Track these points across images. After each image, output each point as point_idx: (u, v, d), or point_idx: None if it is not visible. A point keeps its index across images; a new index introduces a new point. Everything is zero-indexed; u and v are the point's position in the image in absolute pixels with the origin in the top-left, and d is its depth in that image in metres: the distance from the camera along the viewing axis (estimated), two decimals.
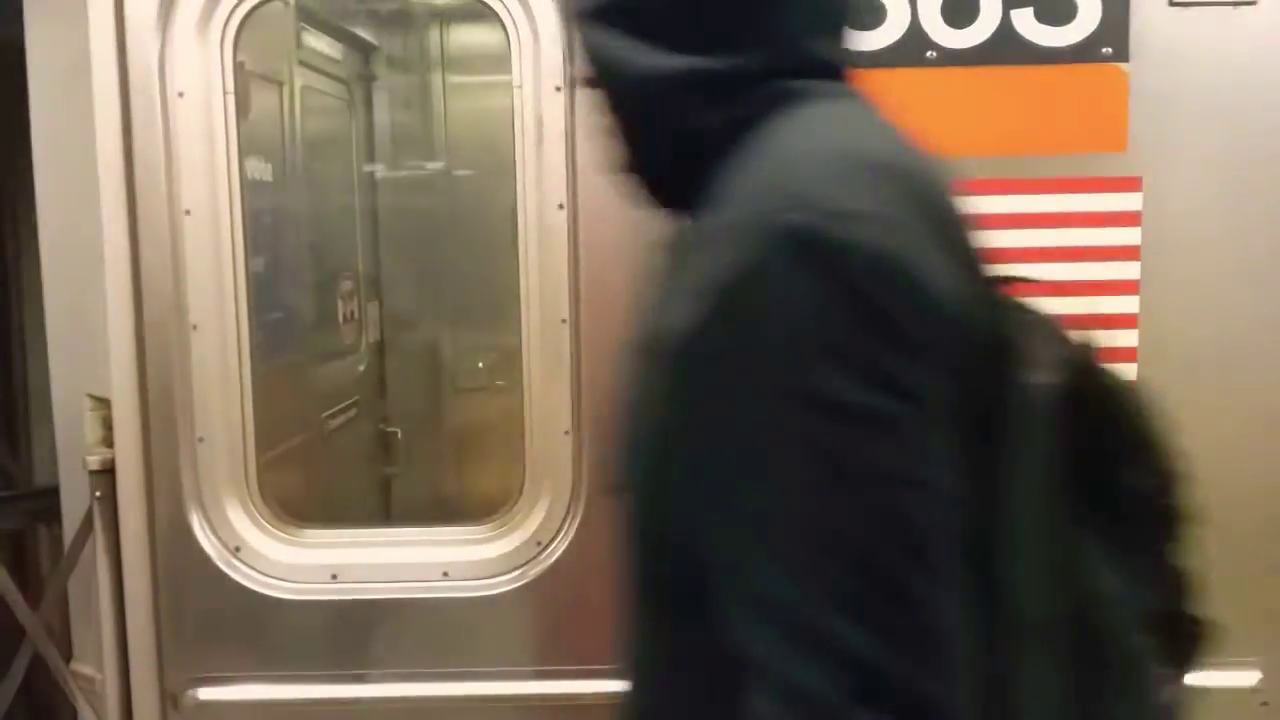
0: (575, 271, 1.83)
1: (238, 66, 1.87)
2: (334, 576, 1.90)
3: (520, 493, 1.91)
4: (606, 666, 1.95)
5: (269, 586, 1.89)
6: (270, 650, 1.89)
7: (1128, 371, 1.86)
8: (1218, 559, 1.87)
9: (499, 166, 2.01)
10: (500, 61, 1.90)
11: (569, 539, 1.87)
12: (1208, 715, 1.98)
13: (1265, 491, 1.90)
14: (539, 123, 1.83)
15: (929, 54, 1.79)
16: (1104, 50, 1.80)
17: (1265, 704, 1.91)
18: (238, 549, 1.90)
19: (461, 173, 3.11)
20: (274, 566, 1.91)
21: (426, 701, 1.89)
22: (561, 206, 1.83)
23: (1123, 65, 1.81)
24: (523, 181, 1.85)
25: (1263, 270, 1.87)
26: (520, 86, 1.84)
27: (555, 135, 1.82)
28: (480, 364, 3.04)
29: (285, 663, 1.89)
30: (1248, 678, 1.91)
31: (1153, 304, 1.85)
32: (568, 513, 1.88)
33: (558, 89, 1.82)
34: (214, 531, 1.90)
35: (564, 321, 1.83)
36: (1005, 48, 1.80)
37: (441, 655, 1.89)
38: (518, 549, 1.90)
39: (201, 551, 1.88)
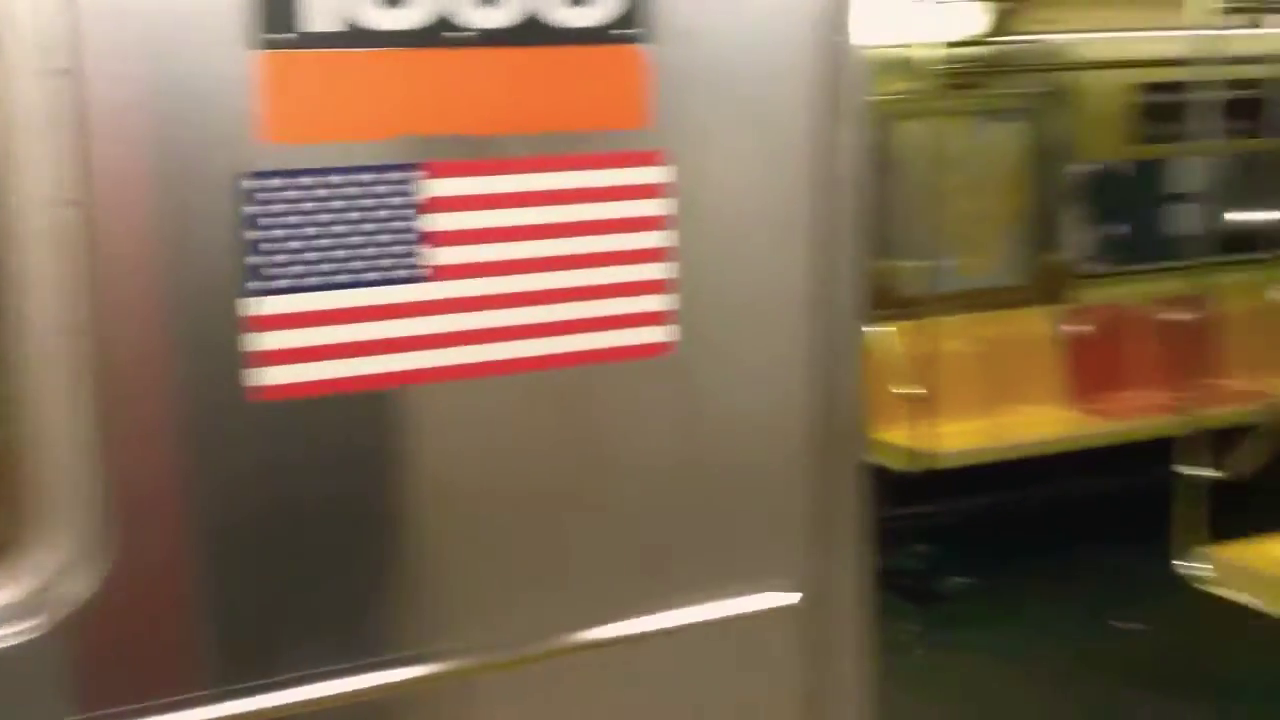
0: (90, 273, 1.66)
1: None
2: None
3: (30, 526, 1.70)
4: (156, 701, 1.81)
5: None
6: None
7: (660, 334, 2.03)
8: (757, 485, 2.10)
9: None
10: None
11: (99, 573, 1.70)
12: (749, 637, 2.20)
13: (788, 431, 2.12)
14: (40, 111, 1.63)
15: (453, 34, 1.80)
16: (625, 31, 1.90)
17: (805, 624, 2.15)
18: None
19: None
20: None
21: None
22: (68, 203, 1.64)
23: (644, 45, 1.91)
24: (17, 176, 1.64)
25: (786, 235, 2.08)
26: (11, 71, 1.62)
27: (60, 125, 1.63)
28: None
29: None
30: (787, 599, 2.13)
31: (684, 270, 1.99)
32: (94, 542, 1.70)
33: (56, 72, 1.62)
34: None
35: (76, 330, 1.65)
36: (530, 29, 1.84)
37: None
38: (33, 593, 1.69)
39: None
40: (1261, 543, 4.89)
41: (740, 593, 2.11)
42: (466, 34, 1.80)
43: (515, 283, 1.88)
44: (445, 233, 1.83)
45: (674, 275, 1.98)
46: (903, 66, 6.22)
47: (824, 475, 2.17)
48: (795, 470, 2.14)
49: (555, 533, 1.99)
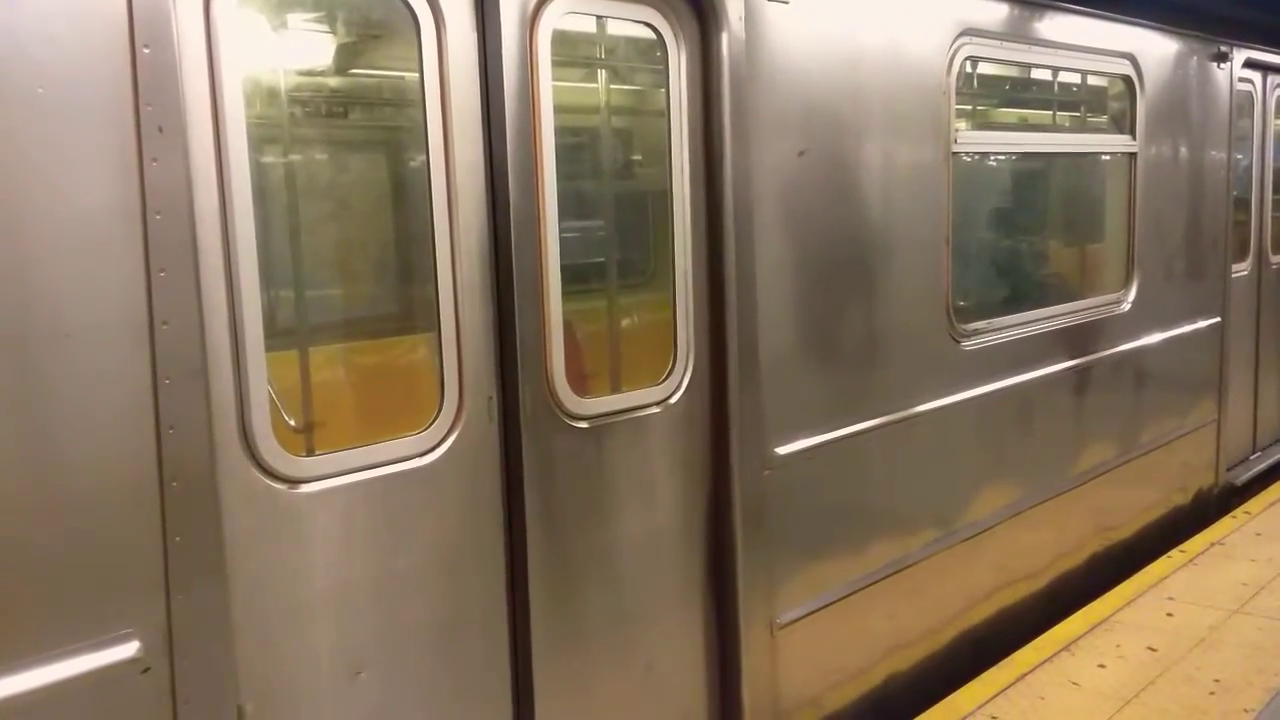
0: None
1: None
2: None
3: None
4: None
5: None
6: None
7: None
8: (84, 523, 1.88)
9: None
10: None
11: None
12: (93, 696, 1.98)
13: (120, 461, 1.96)
14: None
15: None
16: None
17: (148, 670, 1.98)
18: None
19: None
20: None
21: None
22: None
23: None
24: None
25: (103, 255, 1.94)
26: None
27: None
28: None
29: None
30: (126, 650, 1.96)
31: None
32: None
33: None
34: None
35: None
36: None
37: None
38: None
39: None
40: None
41: (73, 650, 1.90)
42: None
43: None
44: None
45: None
46: (268, 92, 6.07)
47: (170, 508, 2.01)
48: (130, 504, 1.97)
49: None
